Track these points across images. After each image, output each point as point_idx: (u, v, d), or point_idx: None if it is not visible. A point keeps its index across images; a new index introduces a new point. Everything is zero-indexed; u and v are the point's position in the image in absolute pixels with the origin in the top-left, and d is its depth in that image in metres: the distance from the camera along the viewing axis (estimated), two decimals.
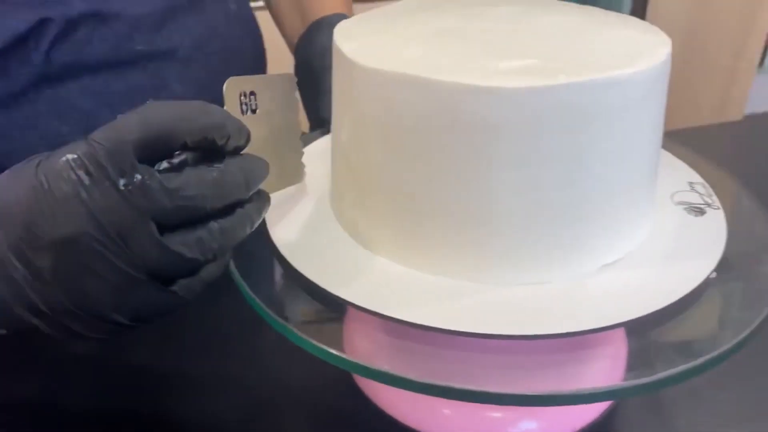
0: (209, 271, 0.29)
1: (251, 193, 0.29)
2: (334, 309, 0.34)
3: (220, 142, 0.28)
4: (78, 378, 0.44)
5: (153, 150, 0.26)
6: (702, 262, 0.35)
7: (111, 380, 0.44)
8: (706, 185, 0.42)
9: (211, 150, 0.28)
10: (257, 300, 0.32)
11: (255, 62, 0.58)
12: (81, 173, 0.25)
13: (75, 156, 0.25)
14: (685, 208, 0.39)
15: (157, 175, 0.26)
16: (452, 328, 0.31)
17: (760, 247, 0.38)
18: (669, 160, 0.44)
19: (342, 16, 0.52)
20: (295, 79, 0.38)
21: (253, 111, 0.34)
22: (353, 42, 0.35)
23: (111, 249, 0.25)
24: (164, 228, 0.26)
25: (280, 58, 0.64)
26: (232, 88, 0.33)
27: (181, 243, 0.26)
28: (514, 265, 0.34)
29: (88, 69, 0.44)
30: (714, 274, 0.34)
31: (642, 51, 0.33)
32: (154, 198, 0.25)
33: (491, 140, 0.30)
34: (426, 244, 0.34)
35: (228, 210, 0.28)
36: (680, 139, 0.44)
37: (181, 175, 0.26)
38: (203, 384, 0.44)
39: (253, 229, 0.30)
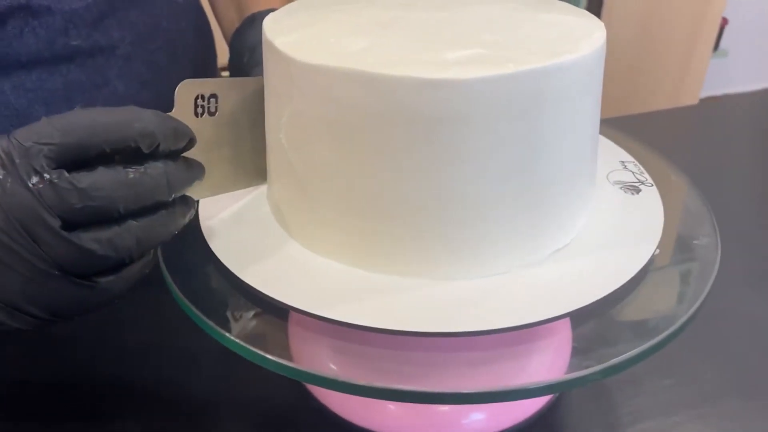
0: (132, 271, 0.29)
1: (174, 196, 0.30)
2: (271, 312, 0.34)
3: (146, 150, 0.28)
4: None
5: (71, 155, 0.27)
6: (643, 243, 0.35)
7: (40, 385, 0.43)
8: (637, 163, 0.42)
9: (137, 154, 0.28)
10: (194, 309, 0.32)
11: (203, 55, 0.57)
12: None
13: None
14: (621, 187, 0.40)
15: (66, 175, 0.26)
16: (393, 328, 0.31)
17: (696, 222, 0.39)
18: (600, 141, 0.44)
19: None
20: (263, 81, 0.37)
21: (212, 113, 0.34)
22: (287, 36, 0.34)
23: (19, 242, 0.27)
24: (78, 225, 0.27)
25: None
26: (186, 91, 0.33)
27: (93, 240, 0.27)
28: (463, 258, 0.34)
29: (20, 65, 0.43)
30: (657, 251, 0.35)
31: (581, 36, 0.33)
32: (62, 197, 0.26)
33: (440, 133, 0.30)
34: (370, 242, 0.34)
35: (150, 211, 0.29)
36: (637, 124, 0.45)
37: (93, 175, 0.27)
38: (143, 389, 0.43)
39: (176, 232, 0.30)
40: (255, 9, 0.54)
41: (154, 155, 0.29)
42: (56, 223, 0.26)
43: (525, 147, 0.31)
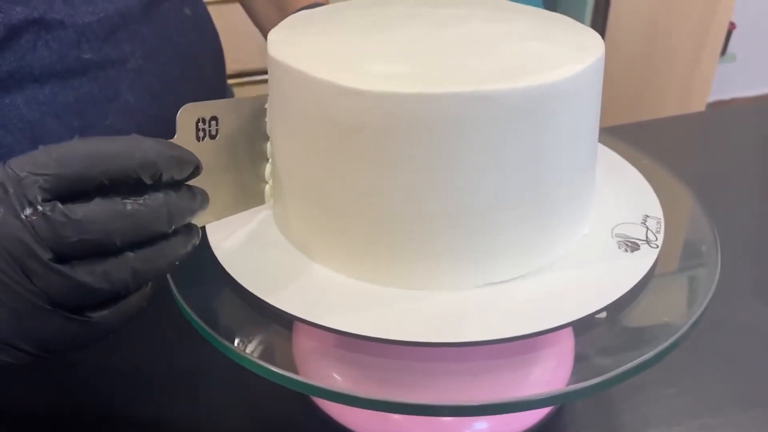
0: (129, 303, 0.28)
1: (175, 227, 0.29)
2: (277, 323, 0.34)
3: (148, 181, 0.28)
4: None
5: (67, 186, 0.26)
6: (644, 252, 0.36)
7: (40, 409, 0.43)
8: (661, 220, 0.40)
9: (138, 184, 0.28)
10: (200, 322, 0.33)
11: (213, 68, 0.57)
12: None
13: None
14: (619, 241, 0.39)
15: (60, 206, 0.25)
16: (397, 338, 0.31)
17: (699, 231, 0.39)
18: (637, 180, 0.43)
19: (321, 6, 0.52)
20: (264, 102, 0.37)
21: (213, 137, 0.34)
22: (288, 46, 0.35)
23: (9, 275, 0.26)
24: (72, 257, 0.26)
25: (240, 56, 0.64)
26: (187, 115, 0.33)
27: (88, 273, 0.26)
28: (465, 268, 0.34)
29: (33, 78, 0.44)
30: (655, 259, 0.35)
31: (578, 52, 0.33)
32: (55, 229, 0.25)
33: (443, 145, 0.31)
34: (374, 254, 0.34)
35: (149, 242, 0.28)
36: (645, 132, 0.45)
37: (88, 206, 0.26)
38: (152, 386, 0.44)
39: (176, 262, 0.29)
40: (298, 5, 0.53)
41: (156, 185, 0.28)
42: (48, 256, 0.25)
43: (527, 158, 0.32)
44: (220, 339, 0.32)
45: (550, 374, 0.38)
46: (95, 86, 0.46)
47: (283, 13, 0.55)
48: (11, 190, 0.25)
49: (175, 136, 0.32)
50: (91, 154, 0.26)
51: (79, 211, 0.26)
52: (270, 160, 0.38)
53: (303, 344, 0.39)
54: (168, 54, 0.50)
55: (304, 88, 0.32)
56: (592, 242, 0.38)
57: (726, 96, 2.02)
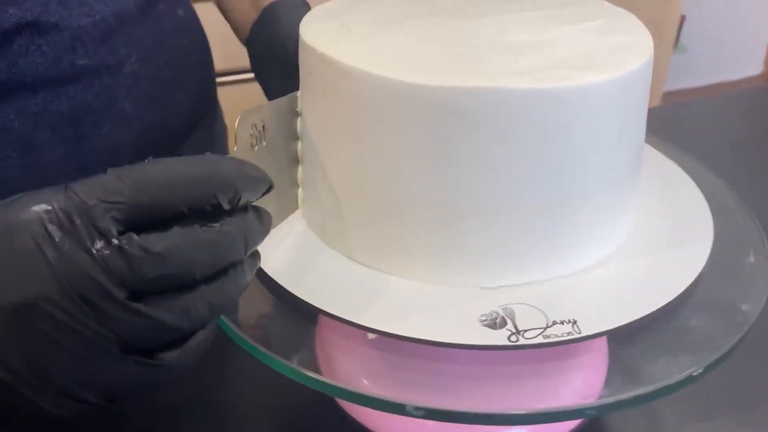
0: (200, 339, 0.25)
1: (249, 253, 0.26)
2: (304, 316, 0.33)
3: (227, 206, 0.25)
4: None
5: (142, 216, 0.23)
6: (690, 259, 0.35)
7: None
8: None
9: (216, 209, 0.25)
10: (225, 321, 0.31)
11: (203, 71, 0.55)
12: (52, 228, 0.22)
13: (49, 207, 0.22)
14: None
15: (137, 238, 0.22)
16: (430, 339, 0.30)
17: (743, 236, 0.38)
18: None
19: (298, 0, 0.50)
20: (296, 102, 0.35)
21: (261, 144, 0.32)
22: (326, 37, 0.34)
23: (76, 317, 0.22)
24: (146, 293, 0.23)
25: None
26: (245, 123, 0.30)
27: (167, 311, 0.23)
28: (502, 265, 0.33)
29: (24, 86, 0.40)
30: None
31: (619, 53, 0.33)
32: (132, 265, 0.22)
33: (484, 143, 0.30)
34: (399, 248, 0.34)
35: (222, 271, 0.25)
36: None
37: (167, 237, 0.23)
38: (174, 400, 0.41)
39: (245, 290, 0.27)
40: None
41: (231, 210, 0.25)
42: (123, 295, 0.23)
43: (568, 155, 0.31)
44: (244, 336, 0.31)
45: (583, 380, 0.38)
46: (90, 94, 0.43)
47: (255, 2, 0.52)
48: (78, 221, 0.22)
49: (236, 149, 0.30)
50: (169, 179, 0.23)
51: (159, 243, 0.23)
52: (301, 162, 0.36)
53: (328, 342, 0.38)
54: (164, 57, 0.48)
55: (358, 87, 0.31)
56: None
57: (678, 86, 2.08)
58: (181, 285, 0.24)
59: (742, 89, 1.84)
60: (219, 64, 0.56)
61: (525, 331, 0.31)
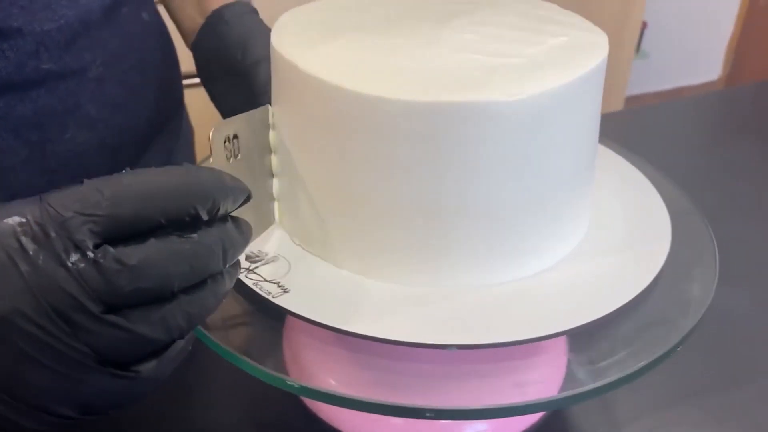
0: (178, 349, 0.25)
1: (228, 265, 0.26)
2: (271, 317, 0.33)
3: (206, 217, 0.25)
4: None
5: (120, 229, 0.23)
6: (650, 258, 0.36)
7: None
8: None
9: (194, 220, 0.25)
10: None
11: (169, 74, 0.55)
12: (26, 241, 0.22)
13: (23, 220, 0.22)
14: None
15: (112, 251, 0.22)
16: (392, 338, 0.31)
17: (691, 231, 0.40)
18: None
19: (243, 5, 0.49)
20: (269, 110, 0.35)
21: (236, 156, 0.32)
22: (298, 47, 0.34)
23: (51, 332, 0.22)
24: (124, 306, 0.23)
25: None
26: (219, 135, 0.30)
27: (143, 323, 0.23)
28: (470, 267, 0.34)
29: None
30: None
31: (581, 54, 0.34)
32: (108, 278, 0.22)
33: (447, 149, 0.31)
34: (376, 249, 0.34)
35: (201, 282, 0.25)
36: None
37: (144, 248, 0.23)
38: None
39: (223, 299, 0.26)
40: (217, 3, 0.50)
41: (210, 219, 0.25)
42: (99, 309, 0.22)
43: (529, 159, 0.32)
44: (212, 338, 0.31)
45: (545, 377, 0.39)
46: (55, 97, 0.43)
47: (202, 8, 0.52)
48: (53, 234, 0.22)
49: (211, 159, 0.30)
50: (147, 191, 0.23)
51: (135, 255, 0.22)
52: (275, 175, 0.36)
53: (294, 342, 0.38)
54: (129, 61, 0.47)
55: (327, 98, 0.32)
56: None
57: (640, 91, 2.13)
58: (159, 297, 0.24)
59: (700, 94, 1.89)
60: (186, 66, 0.56)
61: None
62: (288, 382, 0.31)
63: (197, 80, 0.52)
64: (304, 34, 0.36)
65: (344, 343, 0.36)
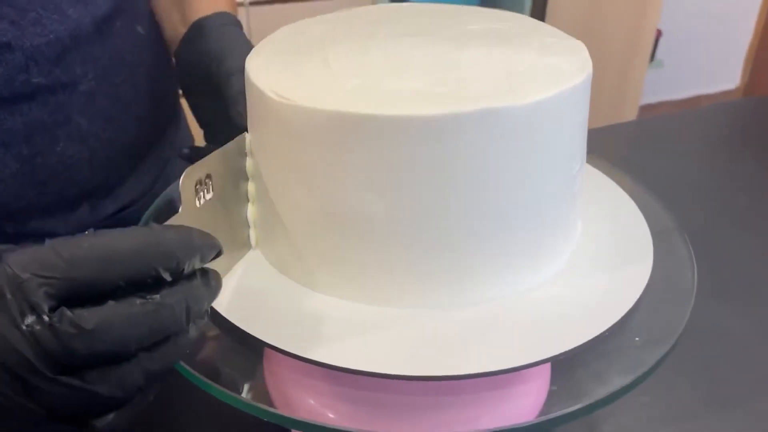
0: (136, 404, 0.25)
1: (193, 321, 0.25)
2: (249, 351, 0.32)
3: (168, 279, 0.24)
4: None
5: (77, 291, 0.23)
6: (630, 286, 0.36)
7: None
8: None
9: (156, 280, 0.24)
10: None
11: (164, 86, 0.55)
12: None
13: None
14: None
15: (69, 314, 0.22)
16: (377, 371, 0.30)
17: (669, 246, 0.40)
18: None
19: (226, 15, 0.49)
20: (246, 139, 0.35)
21: (207, 195, 0.32)
22: (267, 72, 0.34)
23: (3, 392, 0.22)
24: (80, 367, 0.23)
25: None
26: (189, 181, 0.30)
27: (100, 382, 0.23)
28: (448, 288, 0.34)
29: None
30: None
31: (565, 72, 0.33)
32: (63, 342, 0.22)
33: (431, 167, 0.31)
34: (356, 274, 0.34)
35: (163, 340, 0.25)
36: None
37: (101, 312, 0.23)
38: None
39: (188, 351, 0.26)
40: (200, 14, 0.50)
41: (174, 280, 0.25)
42: (53, 370, 0.22)
43: (522, 174, 0.32)
44: (191, 371, 0.31)
45: (529, 398, 0.38)
46: (45, 111, 0.43)
47: (185, 18, 0.52)
48: (9, 296, 0.22)
49: (181, 209, 0.30)
50: (106, 254, 0.23)
51: (91, 319, 0.22)
52: (251, 201, 0.36)
53: (275, 371, 0.38)
54: (121, 75, 0.48)
55: (296, 118, 0.31)
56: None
57: (654, 100, 2.11)
58: (117, 357, 0.23)
59: (717, 103, 1.87)
60: None
61: None
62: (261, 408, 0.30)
63: None
64: (277, 58, 0.35)
65: (319, 373, 0.36)
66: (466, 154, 0.31)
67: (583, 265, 0.37)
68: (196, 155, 0.32)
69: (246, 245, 0.37)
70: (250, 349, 0.36)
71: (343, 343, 0.32)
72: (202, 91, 0.47)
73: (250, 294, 0.35)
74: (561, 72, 0.33)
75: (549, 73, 0.33)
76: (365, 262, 0.33)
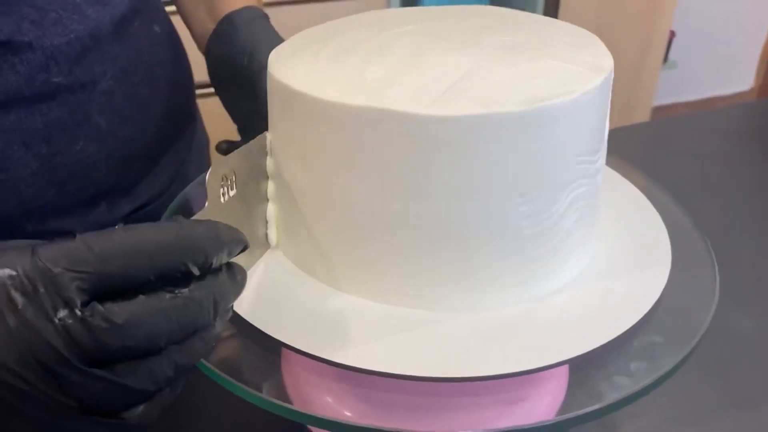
0: (163, 396, 0.25)
1: (218, 317, 0.26)
2: (268, 350, 0.33)
3: (197, 273, 0.25)
4: None
5: (108, 285, 0.23)
6: (648, 287, 0.36)
7: None
8: None
9: (185, 275, 0.25)
10: None
11: (181, 86, 0.56)
12: (15, 294, 0.22)
13: (14, 273, 0.22)
14: None
15: (100, 308, 0.22)
16: (394, 372, 0.30)
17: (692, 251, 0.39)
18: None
19: (254, 10, 0.49)
20: (267, 138, 0.35)
21: (231, 192, 0.32)
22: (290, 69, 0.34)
23: (36, 386, 0.22)
24: (111, 360, 0.23)
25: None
26: (215, 177, 0.30)
27: (130, 375, 0.23)
28: (469, 290, 0.34)
29: None
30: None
31: (579, 77, 0.33)
32: (95, 336, 0.22)
33: (449, 167, 0.31)
34: (377, 273, 0.34)
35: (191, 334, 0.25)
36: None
37: (132, 306, 0.23)
38: None
39: (214, 344, 0.26)
40: (228, 9, 0.50)
41: (202, 274, 0.25)
42: (85, 364, 0.22)
43: (535, 179, 0.32)
44: (212, 368, 0.31)
45: (545, 399, 0.38)
46: (64, 111, 0.44)
47: (213, 13, 0.52)
48: (42, 289, 0.22)
49: (207, 204, 0.30)
50: (137, 248, 0.23)
51: (122, 314, 0.22)
52: (270, 200, 0.36)
53: (293, 370, 0.38)
54: (139, 74, 0.48)
55: (321, 115, 0.31)
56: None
57: (668, 101, 2.09)
58: (146, 351, 0.24)
59: (730, 104, 1.86)
60: (203, 74, 0.56)
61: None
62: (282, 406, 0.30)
63: (208, 90, 0.53)
64: (300, 56, 0.36)
65: (338, 373, 0.36)
66: (489, 156, 0.30)
67: (602, 266, 0.37)
68: (233, 149, 0.33)
69: (263, 244, 0.37)
70: (267, 349, 0.36)
71: (365, 344, 0.32)
72: (234, 85, 0.47)
73: (271, 292, 0.35)
74: (578, 73, 0.33)
75: (567, 75, 0.33)
76: (389, 263, 0.33)
